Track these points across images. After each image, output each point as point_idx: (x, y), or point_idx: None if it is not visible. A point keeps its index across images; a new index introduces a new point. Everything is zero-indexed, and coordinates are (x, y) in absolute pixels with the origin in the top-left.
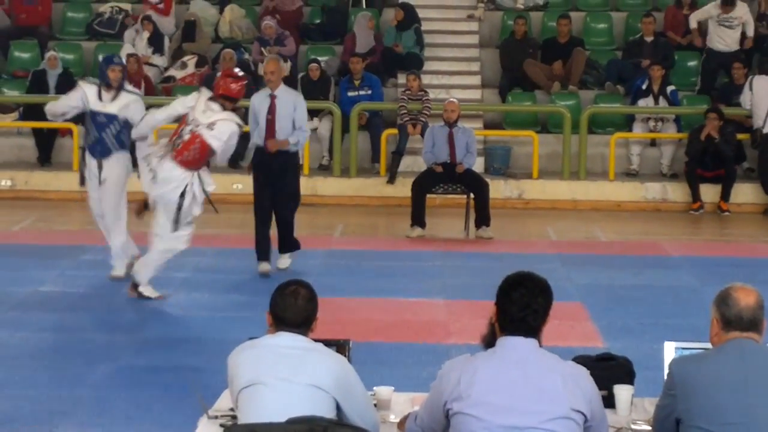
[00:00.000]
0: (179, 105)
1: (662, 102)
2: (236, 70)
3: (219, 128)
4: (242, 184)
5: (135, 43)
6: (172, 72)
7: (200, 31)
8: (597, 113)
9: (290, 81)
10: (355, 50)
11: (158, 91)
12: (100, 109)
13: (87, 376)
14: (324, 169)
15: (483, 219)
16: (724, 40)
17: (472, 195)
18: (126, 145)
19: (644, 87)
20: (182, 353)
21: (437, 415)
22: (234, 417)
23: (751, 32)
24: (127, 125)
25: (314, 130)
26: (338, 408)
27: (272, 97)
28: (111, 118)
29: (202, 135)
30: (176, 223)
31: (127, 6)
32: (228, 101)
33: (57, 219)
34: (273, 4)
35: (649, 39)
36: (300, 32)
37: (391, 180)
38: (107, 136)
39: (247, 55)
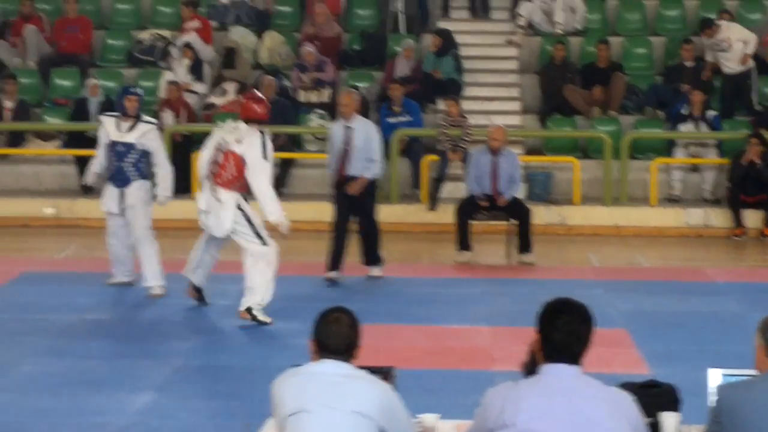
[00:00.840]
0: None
1: (703, 127)
2: (255, 91)
3: (247, 140)
4: (285, 211)
5: (175, 70)
6: (212, 99)
7: (240, 57)
8: (638, 139)
9: (330, 107)
10: (394, 76)
11: (199, 118)
12: (118, 139)
13: (132, 403)
14: None
15: (525, 245)
16: (726, 63)
17: (514, 221)
18: (146, 174)
19: (685, 112)
20: (227, 381)
21: None
22: None
23: (750, 50)
24: (145, 154)
25: None
26: None
27: (347, 128)
28: (129, 147)
29: (233, 151)
30: (259, 237)
31: (167, 33)
32: (253, 123)
33: (100, 246)
34: (313, 31)
35: (688, 64)
36: (339, 58)
37: (433, 206)
38: (126, 165)
39: (286, 82)
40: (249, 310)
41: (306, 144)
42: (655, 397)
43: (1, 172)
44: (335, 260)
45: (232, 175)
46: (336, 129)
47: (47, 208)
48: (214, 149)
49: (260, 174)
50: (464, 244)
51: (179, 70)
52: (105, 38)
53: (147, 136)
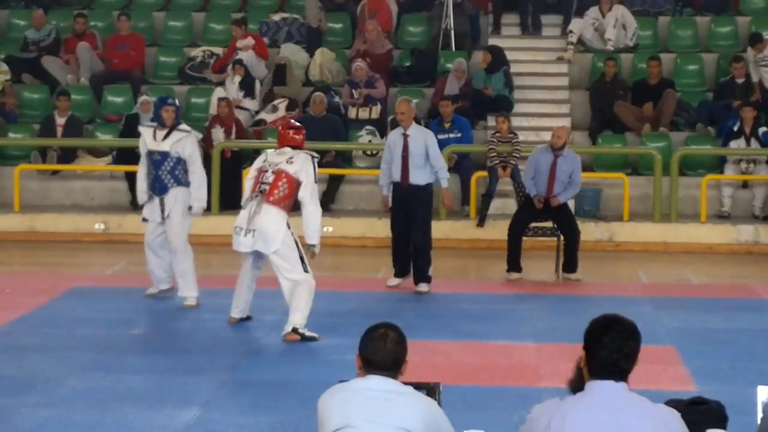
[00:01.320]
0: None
1: (754, 143)
2: (292, 121)
3: (297, 159)
4: (332, 227)
5: (226, 87)
6: (263, 115)
7: (291, 74)
8: (688, 155)
9: (380, 124)
10: (444, 93)
11: (249, 134)
12: (155, 148)
13: (178, 419)
14: None
15: (571, 265)
16: None
17: (562, 237)
18: (183, 182)
19: (736, 128)
20: (273, 396)
21: None
22: None
23: None
24: (180, 161)
25: None
26: None
27: (405, 136)
28: (164, 155)
29: (285, 170)
30: (303, 262)
31: (218, 50)
32: (293, 150)
33: None
34: (364, 48)
35: (740, 80)
36: (389, 75)
37: (481, 223)
38: (163, 173)
39: (337, 98)
40: (296, 330)
41: (355, 160)
42: (702, 414)
43: (53, 187)
44: (401, 267)
45: (284, 194)
46: (393, 137)
47: (97, 224)
48: (260, 170)
49: (314, 197)
50: (514, 264)
51: (230, 87)
52: (157, 55)
53: (181, 143)
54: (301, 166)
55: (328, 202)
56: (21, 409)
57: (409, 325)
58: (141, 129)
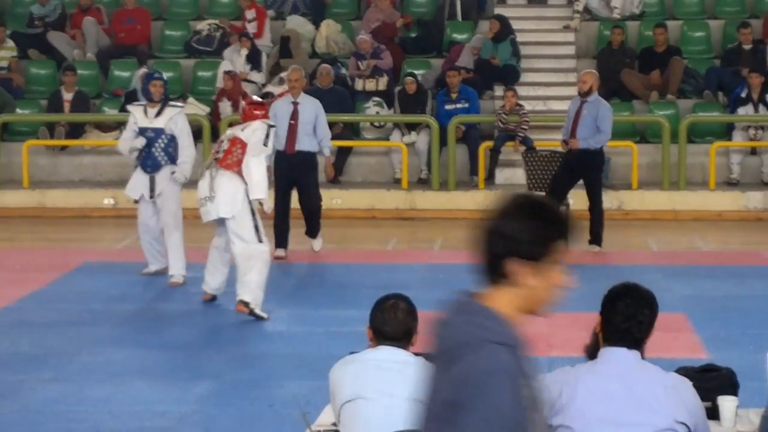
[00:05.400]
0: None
1: (762, 110)
2: (255, 97)
3: (251, 127)
4: (341, 199)
5: (233, 60)
6: (269, 88)
7: (297, 46)
8: (696, 122)
9: (388, 95)
10: (457, 64)
11: None
12: (147, 125)
13: (191, 392)
14: (422, 183)
15: (595, 238)
16: None
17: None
18: (175, 159)
19: (743, 95)
20: (284, 369)
21: None
22: (336, 431)
23: None
24: (174, 139)
25: (412, 143)
26: None
27: (294, 104)
28: (158, 132)
29: (238, 136)
30: (258, 231)
31: (225, 23)
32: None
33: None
34: (380, 19)
35: (747, 47)
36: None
37: (490, 178)
38: (156, 151)
39: (344, 70)
40: (247, 304)
41: (363, 132)
42: (713, 381)
43: (62, 163)
44: (282, 239)
45: (238, 159)
46: (281, 105)
47: (106, 199)
48: (219, 142)
49: (256, 156)
50: None
51: (236, 60)
52: (163, 29)
53: (174, 120)
54: (253, 131)
55: (336, 174)
56: (34, 384)
57: (420, 295)
58: (130, 107)
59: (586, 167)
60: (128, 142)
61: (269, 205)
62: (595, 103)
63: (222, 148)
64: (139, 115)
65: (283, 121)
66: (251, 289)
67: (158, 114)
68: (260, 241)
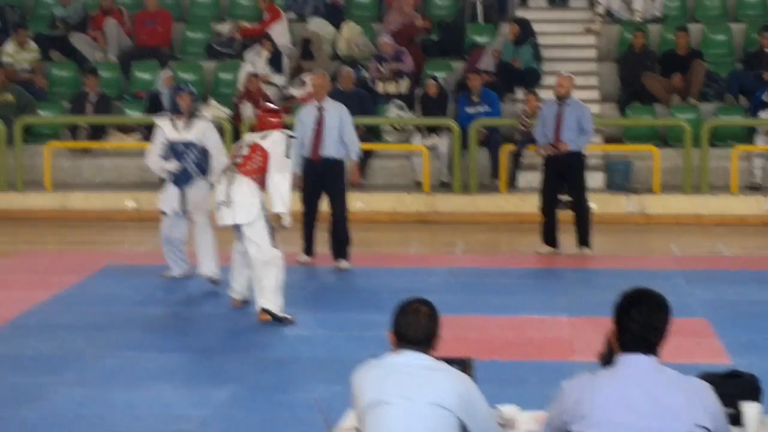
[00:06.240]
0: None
1: None
2: (269, 104)
3: (271, 137)
4: (363, 202)
5: (254, 62)
6: (291, 90)
7: (318, 49)
8: (718, 126)
9: (409, 97)
10: (478, 67)
11: None
12: (177, 138)
13: (214, 396)
14: (444, 186)
15: (582, 239)
16: None
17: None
18: (206, 171)
19: (765, 99)
20: (307, 373)
21: None
22: None
23: None
24: (204, 151)
25: (433, 147)
26: (462, 427)
27: (320, 109)
28: (189, 145)
29: (259, 143)
30: (272, 236)
31: (245, 24)
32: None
33: None
34: (400, 21)
35: None
36: (418, 48)
37: (512, 181)
38: (188, 164)
39: (365, 73)
40: (268, 311)
41: (384, 135)
42: (736, 387)
43: (84, 165)
44: (309, 246)
45: (258, 166)
46: (306, 111)
47: (128, 202)
48: (238, 147)
49: (280, 170)
50: (549, 239)
51: (258, 62)
52: (184, 31)
53: (206, 134)
54: (273, 142)
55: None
56: (57, 387)
57: (442, 299)
58: (157, 121)
59: (573, 169)
60: (157, 157)
61: (288, 221)
62: (576, 105)
63: (241, 153)
64: (167, 129)
65: (308, 126)
66: (269, 296)
67: (187, 126)
68: (274, 246)
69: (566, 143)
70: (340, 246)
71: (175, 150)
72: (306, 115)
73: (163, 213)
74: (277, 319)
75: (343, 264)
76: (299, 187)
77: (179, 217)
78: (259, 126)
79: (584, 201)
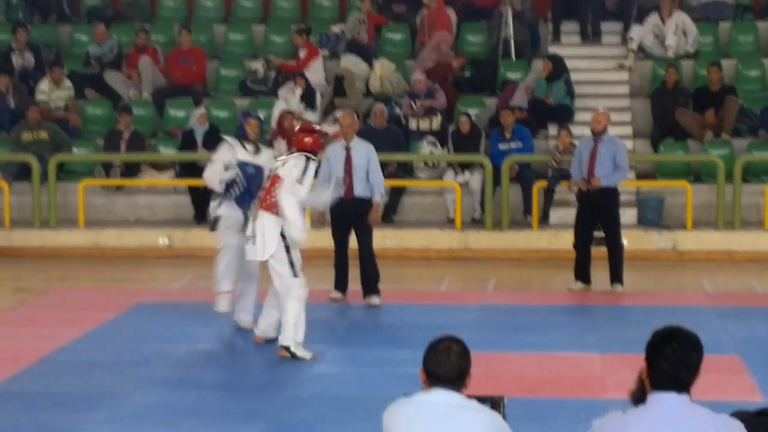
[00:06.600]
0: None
1: None
2: (313, 124)
3: (291, 161)
4: (395, 239)
5: (287, 99)
6: (324, 127)
7: (351, 86)
8: (751, 162)
9: (442, 134)
10: (511, 103)
11: None
12: (250, 160)
13: None
14: (476, 223)
15: (613, 276)
16: None
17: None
18: None
19: None
20: (337, 410)
21: None
22: None
23: None
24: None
25: (465, 183)
26: None
27: (347, 148)
28: (259, 169)
29: (278, 173)
30: (293, 267)
31: (276, 63)
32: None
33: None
34: (434, 59)
35: None
36: (450, 85)
37: (544, 217)
38: (254, 187)
39: (398, 110)
40: (287, 348)
41: (417, 171)
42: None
43: (117, 202)
44: (342, 282)
45: (276, 199)
46: (334, 150)
47: (161, 238)
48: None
49: (291, 195)
50: (581, 274)
51: (291, 99)
52: (218, 68)
53: (271, 161)
54: (290, 168)
55: (390, 213)
56: (88, 425)
57: (473, 337)
58: (229, 139)
59: (606, 205)
60: (218, 174)
61: (303, 240)
62: (611, 142)
63: (265, 185)
64: (239, 148)
65: (336, 166)
66: (288, 332)
67: (257, 152)
68: (295, 276)
69: (599, 179)
70: (370, 282)
71: (246, 172)
72: (333, 154)
73: (229, 238)
74: (296, 357)
75: (374, 300)
76: (321, 223)
77: (238, 245)
78: (294, 144)
79: (618, 237)
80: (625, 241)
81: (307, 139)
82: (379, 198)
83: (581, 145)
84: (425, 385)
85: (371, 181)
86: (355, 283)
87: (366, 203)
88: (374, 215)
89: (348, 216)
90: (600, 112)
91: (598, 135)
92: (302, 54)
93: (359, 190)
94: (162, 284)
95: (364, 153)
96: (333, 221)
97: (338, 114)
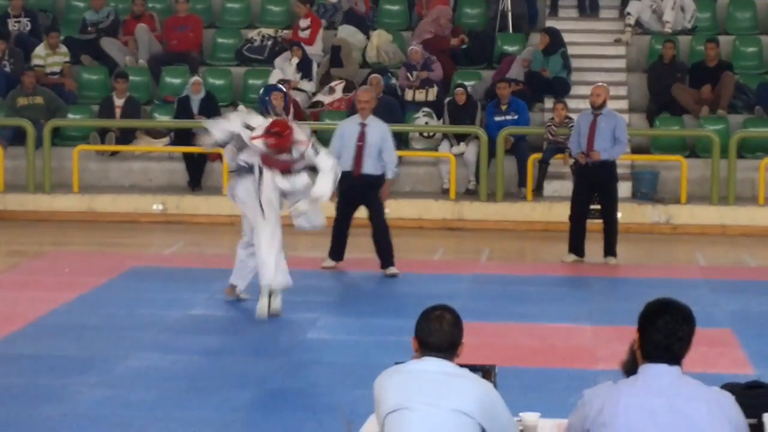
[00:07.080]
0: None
1: None
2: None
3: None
4: (389, 209)
5: (284, 69)
6: (320, 97)
7: (348, 56)
8: (746, 138)
9: (437, 105)
10: (507, 76)
11: (306, 116)
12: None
13: (236, 399)
14: (470, 194)
15: (609, 249)
16: None
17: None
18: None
19: None
20: (330, 377)
21: None
22: None
23: None
24: None
25: (460, 154)
26: None
27: (362, 125)
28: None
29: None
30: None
31: (269, 31)
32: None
33: (207, 243)
34: (432, 32)
35: None
36: (448, 57)
37: (538, 189)
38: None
39: (394, 80)
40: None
41: (412, 142)
42: (759, 398)
43: (112, 168)
44: (338, 251)
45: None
46: (349, 126)
47: (155, 204)
48: None
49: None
50: (575, 247)
51: (287, 69)
52: (215, 36)
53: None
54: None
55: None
56: (80, 388)
57: (466, 306)
58: (244, 110)
59: (605, 179)
60: (231, 153)
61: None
62: (611, 115)
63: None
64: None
65: (350, 141)
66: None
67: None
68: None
69: (599, 152)
70: (386, 253)
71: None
72: (348, 130)
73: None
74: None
75: (392, 270)
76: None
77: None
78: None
79: (614, 211)
80: (619, 215)
81: (270, 140)
82: (392, 175)
83: (580, 118)
84: (417, 354)
85: (385, 160)
86: (350, 253)
87: (374, 179)
88: (386, 190)
89: (355, 191)
90: (599, 86)
91: (597, 109)
92: (303, 23)
93: (368, 168)
94: (156, 250)
95: (379, 131)
96: (339, 196)
97: (334, 84)
